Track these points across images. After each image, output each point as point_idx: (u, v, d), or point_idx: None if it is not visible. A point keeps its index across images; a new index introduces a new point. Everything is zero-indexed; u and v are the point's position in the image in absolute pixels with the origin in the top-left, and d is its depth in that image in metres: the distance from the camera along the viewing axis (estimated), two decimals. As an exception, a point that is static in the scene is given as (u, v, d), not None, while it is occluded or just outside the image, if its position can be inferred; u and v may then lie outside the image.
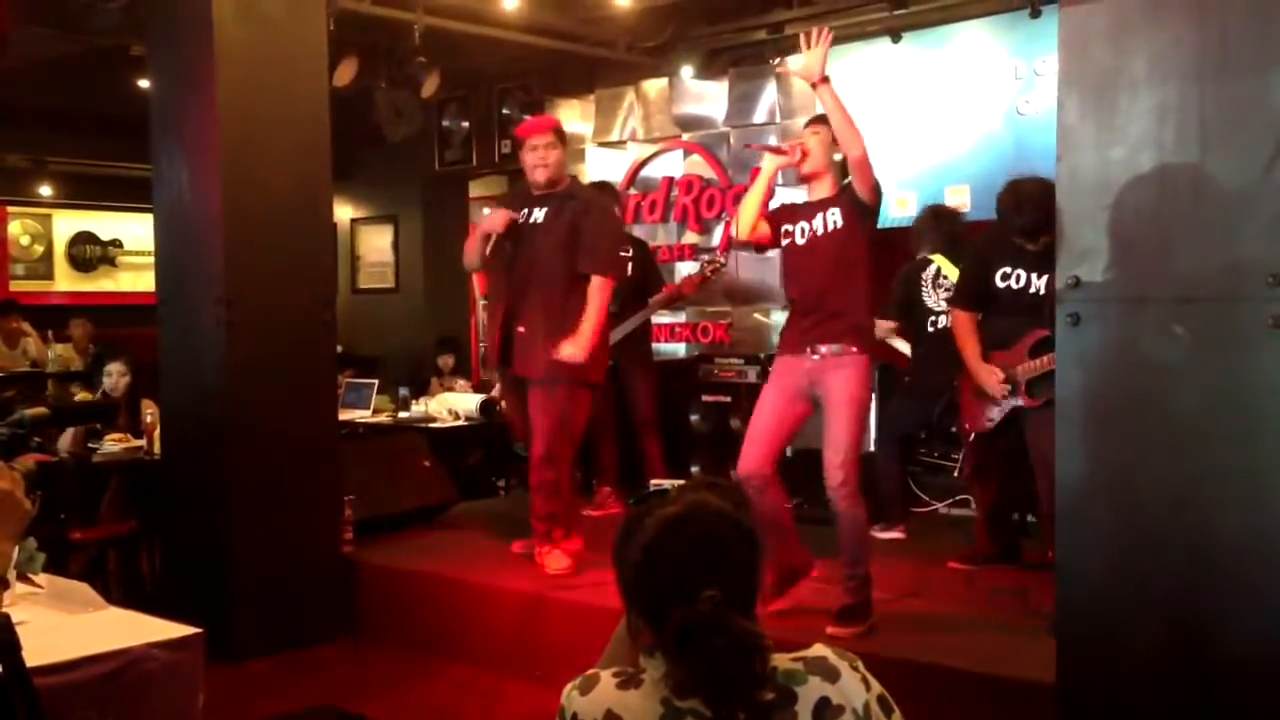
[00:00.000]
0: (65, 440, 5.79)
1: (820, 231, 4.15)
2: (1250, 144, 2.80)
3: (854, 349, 4.10)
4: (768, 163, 4.29)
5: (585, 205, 5.00)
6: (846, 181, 4.18)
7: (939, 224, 5.68)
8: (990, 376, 4.58)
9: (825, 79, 3.97)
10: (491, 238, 4.97)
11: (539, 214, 4.98)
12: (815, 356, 4.12)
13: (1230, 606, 2.86)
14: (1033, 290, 4.52)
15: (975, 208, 6.51)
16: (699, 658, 1.49)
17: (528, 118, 5.20)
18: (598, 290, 4.86)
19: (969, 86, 6.58)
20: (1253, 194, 2.79)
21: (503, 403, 5.69)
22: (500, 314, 5.02)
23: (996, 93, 6.48)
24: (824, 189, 4.21)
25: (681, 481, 1.69)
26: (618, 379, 6.38)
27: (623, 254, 6.00)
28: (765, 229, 4.25)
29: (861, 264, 4.15)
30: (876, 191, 4.09)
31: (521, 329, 4.95)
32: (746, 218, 4.23)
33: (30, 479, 2.04)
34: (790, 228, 4.23)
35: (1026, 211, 4.37)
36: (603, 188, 6.53)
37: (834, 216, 4.13)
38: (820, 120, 4.20)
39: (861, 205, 4.08)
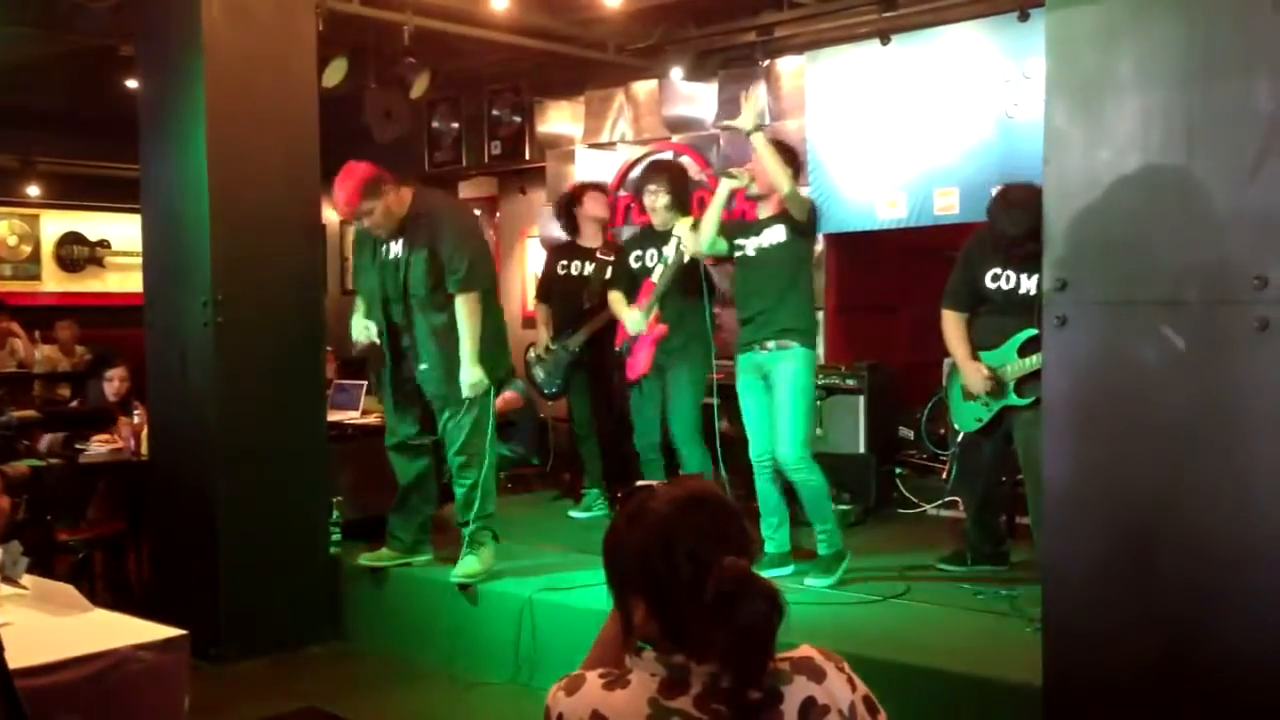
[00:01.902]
0: (45, 443, 5.77)
1: (766, 245, 4.81)
2: (1236, 147, 2.81)
3: (795, 344, 4.73)
4: (722, 186, 4.87)
5: (434, 223, 4.85)
6: None
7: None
8: (978, 375, 4.61)
9: (758, 128, 4.68)
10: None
11: (396, 247, 4.90)
12: (764, 352, 4.78)
13: (1217, 608, 2.87)
14: (1023, 291, 4.53)
15: (965, 210, 6.51)
16: (741, 617, 1.50)
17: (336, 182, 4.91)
18: (464, 307, 4.77)
19: (958, 89, 6.59)
20: (1238, 197, 2.80)
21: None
22: (391, 350, 4.97)
23: (985, 95, 6.48)
24: (770, 207, 4.84)
25: (666, 480, 1.71)
26: (597, 381, 6.35)
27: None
28: (723, 246, 4.90)
29: (803, 271, 4.84)
30: (811, 214, 4.79)
31: (424, 365, 4.90)
32: (705, 235, 4.91)
33: (22, 483, 2.04)
34: (742, 241, 4.87)
35: (1015, 217, 4.39)
36: (595, 188, 6.53)
37: (778, 232, 4.79)
38: (762, 131, 4.73)
39: (798, 224, 4.75)
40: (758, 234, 4.84)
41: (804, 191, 5.03)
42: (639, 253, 5.65)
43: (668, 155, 7.46)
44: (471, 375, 4.79)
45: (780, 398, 4.71)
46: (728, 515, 1.64)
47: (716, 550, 1.56)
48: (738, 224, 5.01)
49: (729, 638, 1.51)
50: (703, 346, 5.40)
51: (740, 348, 4.90)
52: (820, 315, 7.17)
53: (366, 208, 4.79)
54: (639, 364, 5.46)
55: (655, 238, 5.59)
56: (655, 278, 5.48)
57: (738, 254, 4.89)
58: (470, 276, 4.79)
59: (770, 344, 4.75)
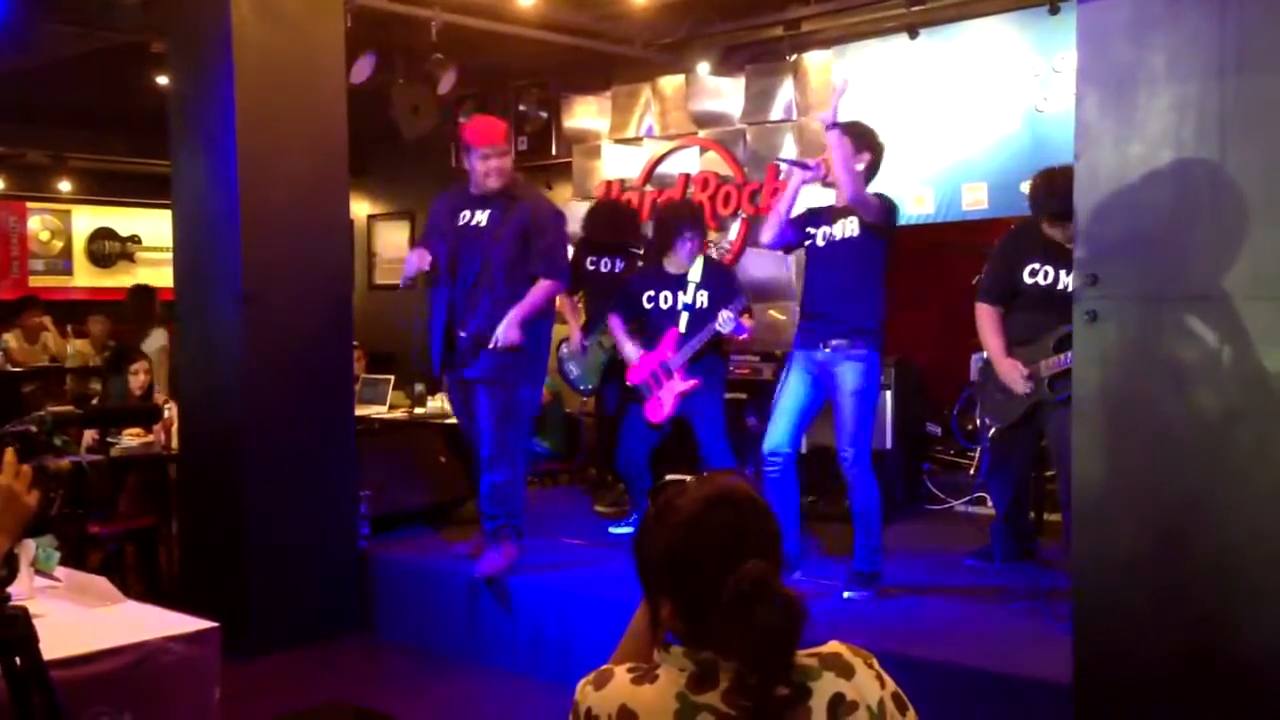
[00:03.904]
0: (86, 440, 5.81)
1: (839, 236, 4.54)
2: (1269, 141, 2.78)
3: (860, 346, 4.48)
4: (794, 178, 4.63)
5: (534, 210, 4.90)
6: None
7: None
8: (1013, 371, 4.56)
9: (835, 124, 4.36)
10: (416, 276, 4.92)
11: (482, 216, 4.87)
12: (827, 351, 4.51)
13: (1248, 605, 2.85)
14: (1060, 286, 4.47)
15: (993, 205, 6.48)
16: (755, 622, 1.49)
17: (473, 120, 5.09)
18: (540, 289, 4.83)
19: (987, 83, 6.55)
20: (1272, 192, 2.78)
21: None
22: (440, 316, 4.91)
23: (1015, 89, 6.44)
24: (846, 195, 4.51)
25: (694, 476, 1.69)
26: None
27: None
28: (790, 236, 4.65)
29: (875, 269, 4.54)
30: (884, 214, 4.48)
31: (463, 333, 4.86)
32: (772, 227, 4.66)
33: (60, 479, 2.06)
34: (813, 230, 4.60)
35: (1059, 197, 4.33)
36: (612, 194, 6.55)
37: (852, 225, 4.50)
38: (838, 128, 4.42)
39: (872, 224, 4.46)
40: (831, 223, 4.56)
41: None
42: (651, 293, 5.43)
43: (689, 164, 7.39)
44: (509, 329, 4.74)
45: (846, 402, 4.47)
46: (755, 514, 1.62)
47: (740, 551, 1.55)
48: (811, 211, 4.71)
49: (746, 640, 1.50)
50: (721, 374, 5.53)
51: (799, 343, 4.66)
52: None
53: (504, 150, 4.90)
54: (664, 409, 5.31)
55: (670, 280, 5.40)
56: (683, 327, 5.30)
57: (807, 242, 4.63)
58: (561, 268, 4.99)
59: (834, 343, 4.50)
